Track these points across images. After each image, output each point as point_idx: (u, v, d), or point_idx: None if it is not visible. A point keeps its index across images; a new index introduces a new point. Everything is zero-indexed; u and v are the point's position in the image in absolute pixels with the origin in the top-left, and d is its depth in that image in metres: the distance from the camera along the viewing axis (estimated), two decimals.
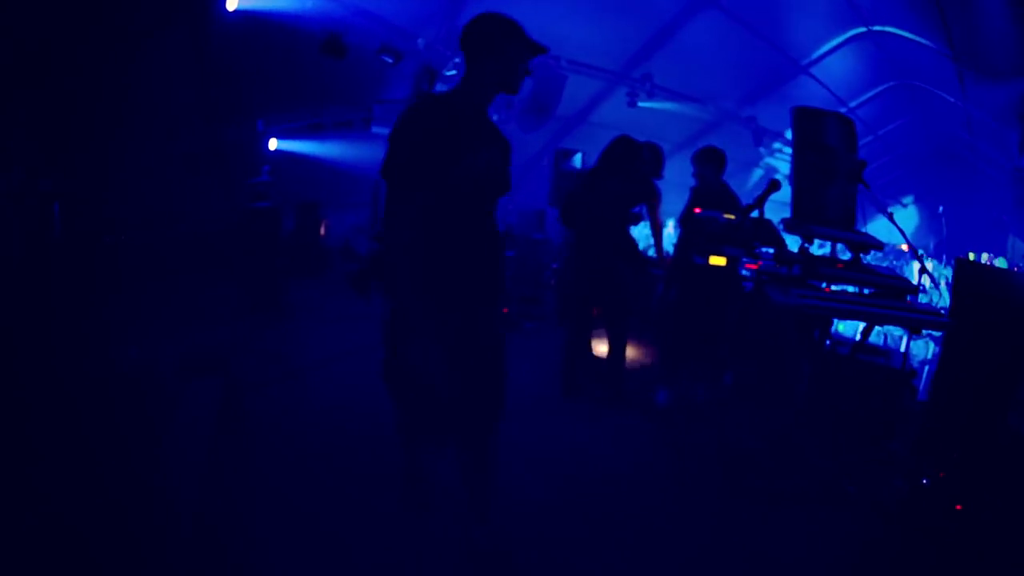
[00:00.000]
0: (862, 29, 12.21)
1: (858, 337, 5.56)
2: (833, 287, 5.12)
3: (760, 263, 5.06)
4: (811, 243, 5.14)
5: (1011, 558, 3.91)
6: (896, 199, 24.18)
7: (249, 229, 8.40)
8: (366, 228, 12.00)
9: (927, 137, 18.67)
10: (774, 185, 5.43)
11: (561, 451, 5.10)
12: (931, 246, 13.24)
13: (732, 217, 5.61)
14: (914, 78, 14.44)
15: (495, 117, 10.52)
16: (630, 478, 4.76)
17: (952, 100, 13.73)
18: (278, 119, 9.68)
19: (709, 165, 6.73)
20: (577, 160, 10.58)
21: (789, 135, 16.25)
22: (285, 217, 9.40)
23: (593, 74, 11.72)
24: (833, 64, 13.57)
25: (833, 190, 5.41)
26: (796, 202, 5.21)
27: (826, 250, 9.24)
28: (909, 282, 5.10)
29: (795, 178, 5.31)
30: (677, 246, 6.83)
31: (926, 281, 7.85)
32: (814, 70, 13.73)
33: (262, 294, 8.17)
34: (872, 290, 4.99)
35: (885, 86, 15.41)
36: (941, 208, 13.88)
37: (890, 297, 4.90)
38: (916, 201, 25.18)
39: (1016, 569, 3.88)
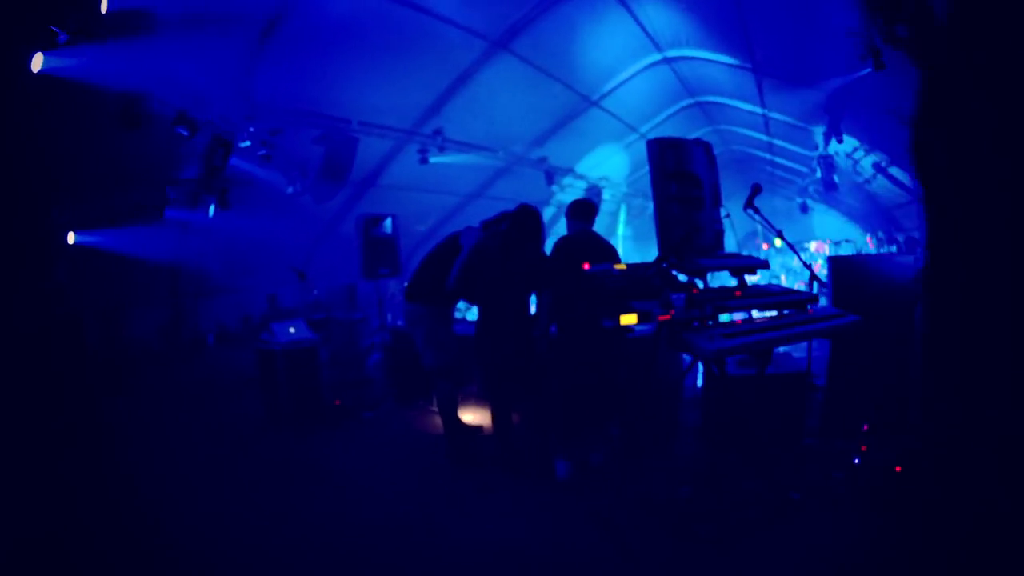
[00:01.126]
0: (657, 56, 13.33)
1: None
2: (733, 316, 5.87)
3: (672, 312, 5.22)
4: (703, 278, 5.81)
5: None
6: None
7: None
8: (167, 326, 11.78)
9: (723, 147, 20.80)
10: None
11: (504, 550, 5.22)
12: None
13: (623, 267, 5.86)
14: (708, 94, 16.04)
15: (289, 189, 11.06)
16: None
17: (748, 109, 15.61)
18: (73, 207, 9.20)
19: (582, 218, 7.50)
20: (388, 226, 10.96)
21: (579, 169, 17.78)
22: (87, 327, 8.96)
23: (384, 134, 12.15)
24: (626, 94, 14.70)
25: (702, 217, 5.95)
26: (664, 235, 5.74)
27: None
28: (807, 293, 5.88)
29: (660, 211, 5.81)
30: (547, 306, 6.93)
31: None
32: (606, 102, 14.86)
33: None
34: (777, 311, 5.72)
35: (678, 106, 16.89)
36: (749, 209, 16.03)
37: (794, 310, 5.70)
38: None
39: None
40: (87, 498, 6.08)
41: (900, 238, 20.28)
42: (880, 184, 17.02)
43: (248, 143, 9.98)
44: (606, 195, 19.70)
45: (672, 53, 13.28)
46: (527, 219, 7.02)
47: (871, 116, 12.24)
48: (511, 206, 15.93)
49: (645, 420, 7.06)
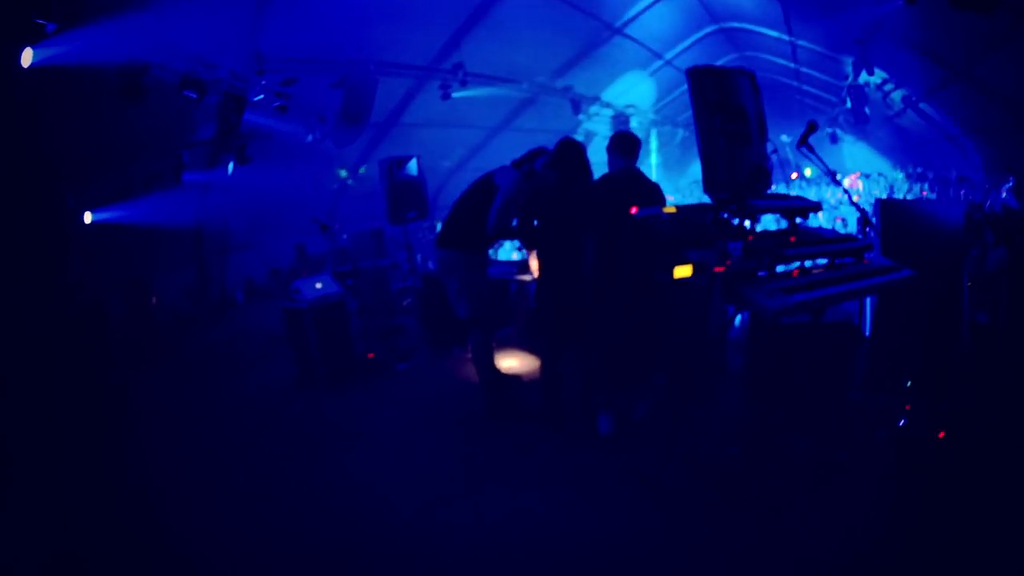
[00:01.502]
0: None
1: None
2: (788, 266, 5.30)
3: (729, 263, 4.89)
4: (757, 221, 5.34)
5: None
6: None
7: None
8: (195, 288, 12.04)
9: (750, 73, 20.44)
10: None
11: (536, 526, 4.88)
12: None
13: (673, 210, 5.42)
14: (733, 20, 15.73)
15: (309, 137, 10.95)
16: (623, 538, 4.63)
17: (775, 36, 15.28)
18: (87, 187, 9.27)
19: (625, 153, 6.75)
20: (413, 167, 10.37)
21: (605, 97, 17.57)
22: (110, 301, 9.09)
23: (403, 72, 11.94)
24: (649, 21, 14.41)
25: (750, 152, 5.50)
26: (709, 172, 5.28)
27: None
28: (862, 241, 5.56)
29: (704, 146, 5.31)
30: (592, 250, 6.40)
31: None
32: (629, 29, 14.54)
33: None
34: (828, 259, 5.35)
35: (703, 32, 16.58)
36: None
37: (851, 259, 5.37)
38: None
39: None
40: (115, 487, 5.94)
41: (930, 175, 19.99)
42: (910, 119, 16.83)
43: (261, 96, 9.74)
44: (633, 123, 19.44)
45: None
46: (575, 153, 6.44)
47: (899, 50, 12.09)
48: (538, 137, 15.92)
49: (691, 371, 6.69)
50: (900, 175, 21.03)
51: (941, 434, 5.31)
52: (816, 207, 5.73)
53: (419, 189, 10.42)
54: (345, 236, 13.75)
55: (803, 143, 5.71)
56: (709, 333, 6.13)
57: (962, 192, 16.64)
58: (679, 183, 29.91)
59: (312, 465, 6.37)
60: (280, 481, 6.07)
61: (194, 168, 10.21)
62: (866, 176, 20.57)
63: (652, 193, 6.66)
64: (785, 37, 15.28)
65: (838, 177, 6.40)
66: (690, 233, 5.07)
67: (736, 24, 16.23)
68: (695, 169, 30.70)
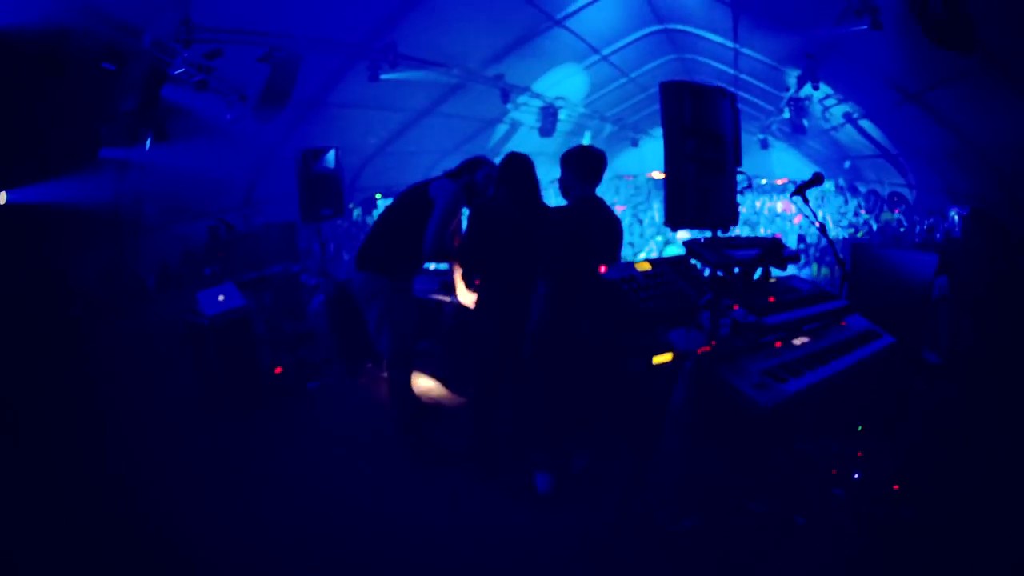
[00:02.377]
0: None
1: None
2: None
3: (713, 343, 4.28)
4: (729, 272, 4.79)
5: None
6: (647, 132, 26.68)
7: None
8: (108, 273, 10.92)
9: (685, 76, 20.45)
10: (818, 179, 5.41)
11: None
12: None
13: (647, 267, 4.81)
14: (679, 22, 15.48)
15: (228, 116, 10.19)
16: None
17: (719, 42, 15.15)
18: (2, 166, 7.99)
19: (588, 177, 5.72)
20: (330, 159, 9.66)
21: (535, 88, 17.13)
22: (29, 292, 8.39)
23: (332, 49, 11.30)
24: (592, 15, 14.08)
25: (721, 184, 5.01)
26: (674, 203, 4.77)
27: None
28: (842, 302, 5.14)
29: (671, 173, 4.82)
30: (544, 299, 5.39)
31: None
32: (570, 22, 14.18)
33: None
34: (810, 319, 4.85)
35: (644, 31, 16.30)
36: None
37: (830, 321, 4.95)
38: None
39: None
40: None
41: (862, 189, 20.42)
42: (847, 133, 17.08)
43: (182, 70, 8.88)
44: (562, 115, 19.06)
45: None
46: (524, 169, 5.63)
47: (852, 70, 12.36)
48: (465, 124, 15.21)
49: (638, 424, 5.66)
50: (830, 185, 21.43)
51: (896, 487, 5.01)
52: (795, 258, 5.27)
53: (336, 184, 9.67)
54: (260, 219, 13.09)
55: (800, 193, 5.17)
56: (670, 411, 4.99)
57: (897, 210, 16.96)
58: (607, 181, 29.93)
59: (214, 506, 5.64)
60: (175, 525, 5.33)
61: (112, 143, 9.26)
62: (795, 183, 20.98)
63: (616, 232, 5.77)
64: (730, 44, 15.10)
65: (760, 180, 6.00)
66: (671, 305, 4.49)
67: (681, 26, 15.98)
68: (618, 163, 31.21)
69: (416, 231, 5.68)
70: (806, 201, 5.15)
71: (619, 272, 4.65)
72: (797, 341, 4.60)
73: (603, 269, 4.67)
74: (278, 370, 8.54)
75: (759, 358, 4.19)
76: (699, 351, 4.16)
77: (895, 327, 5.56)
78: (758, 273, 5.14)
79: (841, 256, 5.46)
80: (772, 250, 5.00)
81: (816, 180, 5.19)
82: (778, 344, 4.48)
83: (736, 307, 4.59)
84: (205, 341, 7.65)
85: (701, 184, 4.86)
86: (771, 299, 4.85)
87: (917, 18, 6.42)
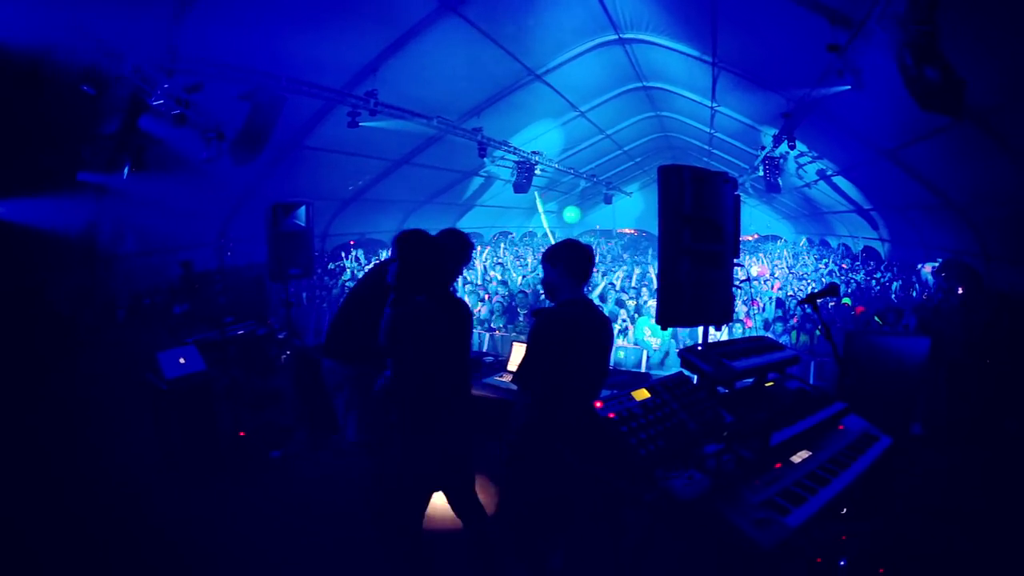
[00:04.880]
0: (612, 36, 12.65)
1: None
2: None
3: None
4: (731, 387, 4.49)
5: None
6: (619, 189, 26.75)
7: None
8: (80, 300, 10.50)
9: (661, 133, 20.62)
10: (833, 290, 5.05)
11: None
12: None
13: (645, 396, 4.30)
14: (657, 81, 15.48)
15: (203, 155, 9.92)
16: None
17: (698, 100, 15.19)
18: None
19: (578, 276, 4.93)
20: (301, 216, 9.51)
21: (513, 142, 17.06)
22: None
23: (315, 93, 10.93)
24: (572, 71, 14.01)
25: (718, 277, 4.83)
26: (668, 298, 4.54)
27: None
28: (840, 405, 4.75)
29: (664, 265, 4.62)
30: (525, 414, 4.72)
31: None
32: (550, 77, 14.10)
33: None
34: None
35: (623, 88, 16.30)
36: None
37: (828, 427, 4.58)
38: (641, 189, 28.22)
39: None
40: None
41: (833, 243, 20.51)
42: (820, 189, 17.19)
43: (161, 101, 8.42)
44: (537, 170, 18.87)
45: (630, 35, 12.53)
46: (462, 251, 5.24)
47: (829, 129, 12.42)
48: (440, 175, 15.05)
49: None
50: (803, 239, 21.59)
51: (881, 570, 4.77)
52: (795, 361, 5.01)
53: (306, 242, 9.48)
54: (229, 254, 12.82)
55: (811, 301, 4.89)
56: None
57: (869, 266, 17.04)
58: (573, 232, 29.96)
59: None
60: None
61: (91, 168, 8.91)
62: (764, 238, 21.17)
63: (607, 337, 5.04)
64: (707, 103, 15.09)
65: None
66: (671, 444, 4.01)
67: (661, 84, 15.95)
68: (592, 218, 31.29)
69: (376, 316, 4.98)
70: (815, 309, 4.93)
71: (615, 407, 4.15)
72: (796, 458, 4.24)
73: (599, 405, 4.16)
74: (242, 433, 8.25)
75: (758, 484, 3.83)
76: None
77: (885, 405, 5.45)
78: (752, 380, 4.86)
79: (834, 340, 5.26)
80: (777, 364, 4.83)
81: (831, 291, 4.94)
82: (778, 465, 4.12)
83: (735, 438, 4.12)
84: (164, 405, 7.41)
85: (697, 279, 4.73)
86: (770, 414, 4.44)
87: (910, 84, 6.35)
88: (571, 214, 23.45)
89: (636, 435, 3.94)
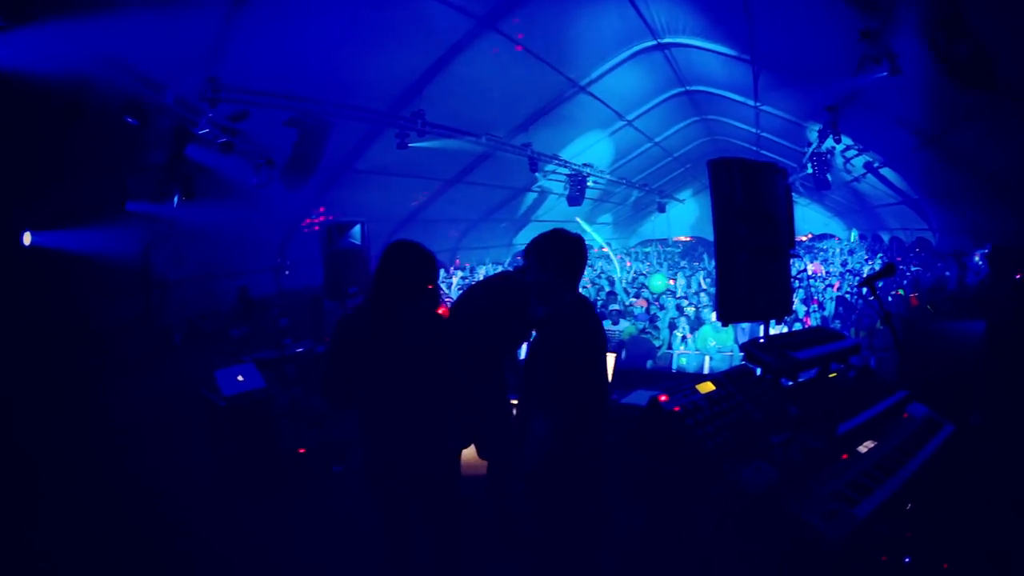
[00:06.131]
0: (651, 43, 12.64)
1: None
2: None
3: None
4: (794, 378, 4.32)
5: None
6: (672, 196, 26.55)
7: None
8: (136, 326, 10.67)
9: (708, 137, 20.47)
10: (890, 270, 4.88)
11: None
12: None
13: (710, 388, 4.08)
14: (699, 84, 15.37)
15: (254, 180, 10.05)
16: None
17: (741, 101, 15.04)
18: (26, 207, 8.22)
19: (564, 274, 4.40)
20: (356, 234, 9.36)
21: (563, 155, 17.04)
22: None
23: (362, 116, 11.09)
24: (615, 80, 14.00)
25: (774, 272, 4.74)
26: (727, 296, 4.45)
27: None
28: (903, 392, 4.66)
29: (721, 261, 4.53)
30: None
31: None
32: (594, 88, 14.09)
33: None
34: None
35: (666, 95, 16.20)
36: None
37: (893, 415, 4.42)
38: (694, 195, 27.96)
39: None
40: None
41: (885, 237, 20.13)
42: (868, 183, 16.90)
43: (207, 130, 8.65)
44: (589, 182, 18.81)
45: (668, 39, 12.48)
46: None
47: (872, 119, 12.15)
48: (493, 193, 15.01)
49: None
50: (855, 234, 21.26)
51: (945, 565, 4.47)
52: (857, 348, 4.79)
53: (361, 260, 9.32)
54: (287, 272, 12.95)
55: (867, 284, 4.74)
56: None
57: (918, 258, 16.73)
58: (629, 243, 29.78)
59: None
60: None
61: (140, 197, 9.03)
62: (817, 237, 20.93)
63: (604, 339, 4.54)
64: (750, 103, 14.98)
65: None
66: (737, 436, 3.80)
67: (702, 87, 15.82)
68: (644, 229, 31.13)
69: None
70: (874, 292, 4.82)
71: (680, 400, 3.96)
72: (863, 448, 4.10)
73: (663, 399, 3.94)
74: (302, 451, 8.21)
75: (825, 476, 3.69)
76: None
77: (945, 393, 5.31)
78: (816, 371, 4.68)
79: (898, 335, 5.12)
80: (839, 353, 4.63)
81: (887, 271, 4.80)
82: (844, 456, 3.97)
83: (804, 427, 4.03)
84: (222, 421, 7.41)
85: (755, 272, 4.60)
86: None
87: (941, 61, 6.24)
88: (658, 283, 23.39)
89: (702, 427, 3.81)
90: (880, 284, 12.37)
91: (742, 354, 4.43)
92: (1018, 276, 9.63)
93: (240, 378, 7.59)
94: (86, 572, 5.45)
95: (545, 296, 4.30)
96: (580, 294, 4.41)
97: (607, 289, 16.34)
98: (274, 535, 6.34)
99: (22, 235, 8.10)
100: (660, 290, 16.03)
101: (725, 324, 4.72)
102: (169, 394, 9.00)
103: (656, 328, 12.20)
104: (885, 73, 8.37)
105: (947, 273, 14.36)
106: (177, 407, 8.70)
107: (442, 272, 18.12)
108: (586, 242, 4.60)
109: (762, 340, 4.65)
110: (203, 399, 7.59)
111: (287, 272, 13.61)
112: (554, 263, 4.27)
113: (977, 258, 12.97)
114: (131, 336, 10.35)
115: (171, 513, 6.69)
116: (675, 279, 18.72)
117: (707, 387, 4.16)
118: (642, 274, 21.07)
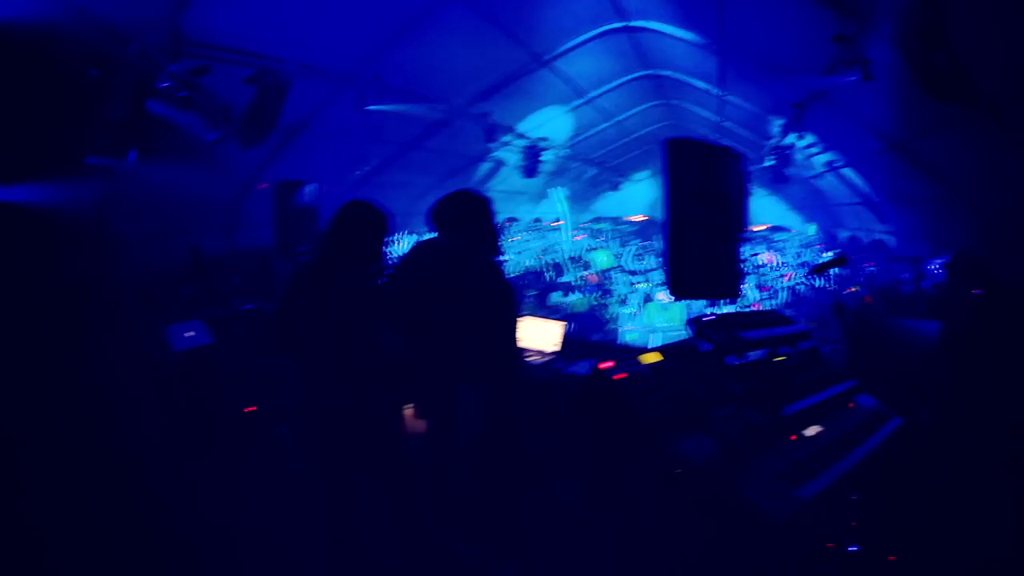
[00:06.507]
0: (618, 24, 12.66)
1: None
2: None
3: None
4: (741, 358, 4.41)
5: None
6: (628, 176, 26.69)
7: None
8: (87, 280, 10.42)
9: (668, 122, 20.56)
10: (842, 260, 4.99)
11: None
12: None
13: (657, 358, 4.18)
14: (664, 68, 15.44)
15: (210, 136, 9.90)
16: None
17: (704, 88, 15.18)
18: None
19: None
20: (308, 193, 9.44)
21: (520, 128, 17.03)
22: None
23: (322, 76, 10.99)
24: (579, 58, 14.02)
25: (725, 251, 4.81)
26: (677, 271, 4.50)
27: None
28: (851, 382, 4.83)
29: (672, 239, 4.55)
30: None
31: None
32: (558, 64, 14.12)
33: None
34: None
35: (630, 76, 16.23)
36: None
37: (840, 403, 4.56)
38: (651, 176, 28.10)
39: None
40: None
41: (843, 235, 20.45)
42: (828, 181, 17.08)
43: (168, 84, 8.49)
44: (546, 156, 19.01)
45: (636, 23, 12.55)
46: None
47: (837, 119, 12.31)
48: (448, 160, 15.01)
49: None
50: (813, 228, 21.62)
51: (892, 557, 4.61)
52: (807, 334, 4.95)
53: (313, 220, 9.36)
54: (239, 237, 12.80)
55: (820, 271, 4.90)
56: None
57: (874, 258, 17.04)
58: (582, 218, 29.85)
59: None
60: None
61: (98, 152, 8.82)
62: (773, 228, 21.29)
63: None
64: (715, 91, 15.08)
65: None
66: (680, 408, 3.89)
67: (667, 72, 15.89)
68: (599, 206, 31.19)
69: None
70: (825, 279, 4.97)
71: (624, 368, 4.03)
72: (809, 432, 4.23)
73: (606, 366, 4.01)
74: (251, 408, 8.17)
75: (770, 456, 3.78)
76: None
77: (894, 388, 5.42)
78: (763, 352, 4.76)
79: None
80: (788, 337, 4.74)
81: (839, 261, 4.94)
82: (792, 437, 4.10)
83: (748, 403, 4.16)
84: (171, 376, 7.45)
85: (705, 251, 4.68)
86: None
87: (917, 73, 6.29)
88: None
89: (644, 398, 3.88)
90: (834, 273, 12.57)
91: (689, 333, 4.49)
92: (976, 292, 9.85)
93: (190, 333, 7.55)
94: (47, 527, 5.53)
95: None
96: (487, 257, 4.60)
97: (557, 261, 16.53)
98: (220, 494, 6.44)
99: None
100: (604, 266, 16.22)
101: (678, 299, 4.78)
102: (121, 353, 8.89)
103: (605, 304, 12.32)
104: (856, 78, 8.44)
105: (903, 275, 14.59)
106: (129, 365, 8.60)
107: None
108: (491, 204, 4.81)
109: (711, 317, 4.72)
110: (152, 355, 7.51)
111: (238, 236, 13.45)
112: (466, 226, 4.54)
113: (935, 266, 13.22)
114: (86, 295, 10.18)
115: (122, 471, 6.72)
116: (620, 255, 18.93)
117: (651, 358, 4.25)
118: (592, 248, 21.17)
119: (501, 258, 4.76)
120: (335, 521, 4.73)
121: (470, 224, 4.64)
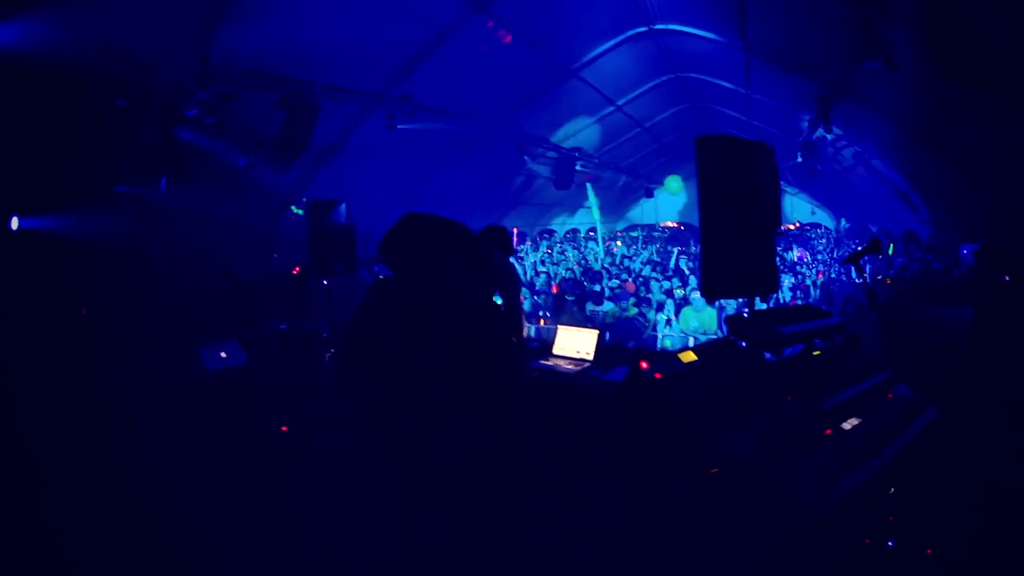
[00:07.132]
0: (642, 28, 12.62)
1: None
2: None
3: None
4: (779, 353, 4.29)
5: None
6: (660, 182, 26.51)
7: None
8: (119, 307, 10.55)
9: (697, 124, 20.42)
10: (876, 245, 4.82)
11: None
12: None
13: (692, 358, 3.99)
14: (690, 71, 15.37)
15: (242, 161, 9.97)
16: None
17: (731, 88, 15.07)
18: (11, 190, 7.99)
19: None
20: (341, 212, 9.42)
21: (553, 139, 17.01)
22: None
23: (350, 98, 11.09)
24: (605, 65, 13.96)
25: (760, 249, 4.70)
26: (711, 270, 4.39)
27: None
28: (887, 373, 4.69)
29: (707, 239, 4.46)
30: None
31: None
32: (585, 73, 14.05)
33: None
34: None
35: (657, 80, 16.18)
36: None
37: (878, 395, 4.43)
38: (683, 181, 27.85)
39: None
40: None
41: (874, 228, 20.18)
42: (857, 174, 16.89)
43: (196, 111, 8.65)
44: (577, 166, 18.94)
45: (660, 26, 12.49)
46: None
47: (863, 111, 12.14)
48: (481, 175, 14.91)
49: None
50: (843, 223, 21.39)
51: (929, 551, 4.47)
52: (842, 326, 4.76)
53: (347, 238, 9.35)
54: (275, 256, 12.86)
55: (854, 260, 4.73)
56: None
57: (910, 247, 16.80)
58: (616, 227, 29.74)
59: None
60: None
61: (127, 181, 8.94)
62: (806, 226, 21.01)
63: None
64: (741, 90, 15.03)
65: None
66: (718, 405, 3.75)
67: (694, 74, 15.85)
68: (632, 214, 31.03)
69: None
70: (859, 270, 4.81)
71: (662, 368, 3.88)
72: (847, 425, 4.09)
73: (645, 366, 3.84)
74: (284, 428, 8.13)
75: (809, 450, 3.66)
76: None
77: (929, 378, 5.30)
78: (800, 347, 4.62)
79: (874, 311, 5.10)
80: (824, 331, 4.61)
81: (873, 247, 4.77)
82: (828, 431, 3.95)
83: (789, 398, 4.04)
84: (205, 396, 7.44)
85: (740, 248, 4.55)
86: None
87: (935, 57, 6.19)
88: (675, 185, 22.84)
89: (684, 396, 3.77)
90: (868, 265, 12.39)
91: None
92: (1007, 278, 9.69)
93: (223, 354, 7.59)
94: (86, 547, 5.50)
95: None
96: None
97: (594, 269, 16.50)
98: (258, 511, 6.32)
99: (10, 220, 7.98)
100: (641, 273, 16.14)
101: (710, 300, 4.69)
102: (152, 371, 8.94)
103: (643, 314, 12.24)
104: (878, 66, 8.32)
105: (935, 266, 14.40)
106: (159, 386, 8.65)
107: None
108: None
109: (747, 314, 4.65)
110: (188, 376, 7.54)
111: (275, 255, 13.51)
112: (453, 256, 4.05)
113: (965, 253, 13.02)
114: (119, 319, 10.26)
115: (162, 490, 6.65)
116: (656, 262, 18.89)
117: (689, 356, 4.14)
118: (627, 257, 21.07)
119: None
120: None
121: (449, 252, 4.06)
